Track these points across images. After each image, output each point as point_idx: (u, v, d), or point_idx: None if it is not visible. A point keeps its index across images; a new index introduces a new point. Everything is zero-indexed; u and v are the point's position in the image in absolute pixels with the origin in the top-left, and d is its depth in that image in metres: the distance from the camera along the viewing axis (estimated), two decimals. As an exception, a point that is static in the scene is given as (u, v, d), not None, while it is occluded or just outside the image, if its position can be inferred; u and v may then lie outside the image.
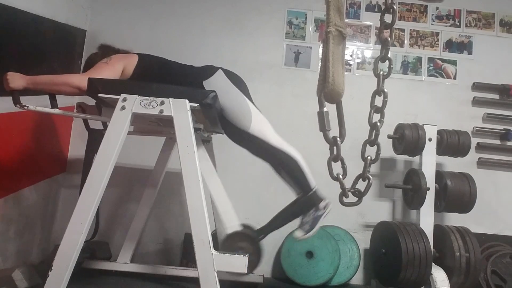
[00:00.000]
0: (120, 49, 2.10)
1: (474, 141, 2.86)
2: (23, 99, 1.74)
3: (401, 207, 2.92)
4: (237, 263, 1.59)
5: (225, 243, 1.82)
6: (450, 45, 3.07)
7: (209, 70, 1.92)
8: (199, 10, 3.02)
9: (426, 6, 3.08)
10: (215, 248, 1.61)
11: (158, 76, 1.89)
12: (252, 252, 1.77)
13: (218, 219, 2.31)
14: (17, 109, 1.72)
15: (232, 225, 1.92)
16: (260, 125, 1.87)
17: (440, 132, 2.68)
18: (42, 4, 2.28)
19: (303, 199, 1.84)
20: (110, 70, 1.84)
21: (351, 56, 3.04)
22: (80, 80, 1.74)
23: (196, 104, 1.68)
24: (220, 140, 2.27)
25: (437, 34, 3.07)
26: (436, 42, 3.06)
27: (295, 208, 1.86)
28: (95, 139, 2.13)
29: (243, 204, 2.84)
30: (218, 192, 2.03)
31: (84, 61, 2.69)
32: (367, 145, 1.35)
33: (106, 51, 2.05)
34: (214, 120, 1.87)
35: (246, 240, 1.81)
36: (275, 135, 1.89)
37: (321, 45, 1.33)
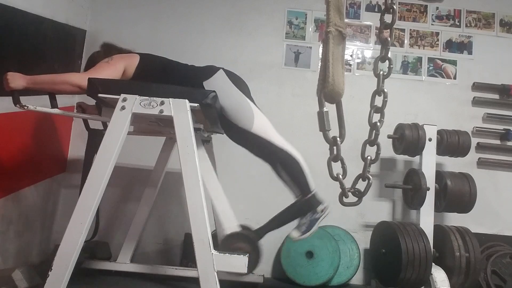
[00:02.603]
0: (122, 48, 2.10)
1: (474, 141, 2.86)
2: (23, 99, 1.74)
3: (401, 207, 2.92)
4: (237, 263, 1.59)
5: (224, 244, 1.82)
6: (450, 45, 3.07)
7: (210, 70, 1.92)
8: (199, 10, 3.02)
9: (426, 6, 3.08)
10: (215, 248, 1.61)
11: (159, 76, 1.89)
12: (250, 252, 1.77)
13: (216, 220, 2.31)
14: (17, 109, 1.72)
15: (230, 226, 1.92)
16: (262, 125, 1.87)
17: (440, 132, 2.68)
18: (42, 4, 2.28)
19: (301, 201, 1.83)
20: (111, 69, 1.84)
21: (351, 56, 3.04)
22: (81, 78, 1.74)
23: (196, 104, 1.67)
24: (220, 140, 2.27)
25: (437, 34, 3.07)
26: (436, 42, 3.07)
27: (294, 209, 1.86)
28: (95, 139, 2.13)
29: (243, 204, 2.84)
30: (217, 192, 2.03)
31: (84, 61, 2.70)
32: (367, 145, 1.34)
33: (108, 50, 2.05)
34: (214, 120, 1.87)
35: (244, 241, 1.81)
36: (277, 135, 1.89)
37: (321, 45, 1.33)
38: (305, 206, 1.83)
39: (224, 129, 1.95)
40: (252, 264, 1.77)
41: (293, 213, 1.86)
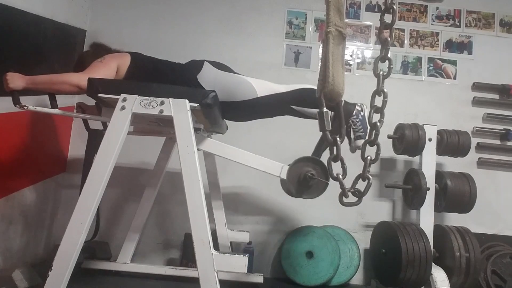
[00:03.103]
0: (111, 48, 2.11)
1: (474, 141, 2.86)
2: (23, 99, 1.74)
3: (401, 207, 2.92)
4: (237, 263, 1.59)
5: (291, 175, 1.87)
6: (450, 45, 3.07)
7: (198, 64, 1.95)
8: (199, 10, 3.02)
9: (426, 6, 3.08)
10: (215, 248, 1.61)
11: (153, 74, 1.90)
12: (320, 169, 1.87)
13: (223, 217, 2.31)
14: (17, 109, 1.72)
15: (281, 170, 1.94)
16: (264, 85, 1.92)
17: (440, 132, 2.68)
18: (42, 4, 2.28)
19: (338, 108, 1.86)
20: (106, 69, 1.85)
21: (351, 56, 3.04)
22: (79, 78, 1.74)
23: (196, 104, 1.67)
24: (220, 140, 2.27)
25: (437, 34, 3.07)
26: (436, 42, 3.06)
27: (335, 118, 1.89)
28: (95, 139, 2.13)
29: (243, 204, 2.85)
30: (247, 155, 2.01)
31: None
32: (367, 145, 1.34)
33: (98, 50, 2.06)
34: (214, 120, 1.87)
35: (309, 162, 1.89)
36: (280, 85, 1.96)
37: (321, 45, 1.33)
38: (343, 111, 1.85)
39: (236, 115, 2.00)
40: (325, 177, 1.86)
41: (339, 121, 1.89)
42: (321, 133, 1.75)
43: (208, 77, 1.88)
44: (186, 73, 1.92)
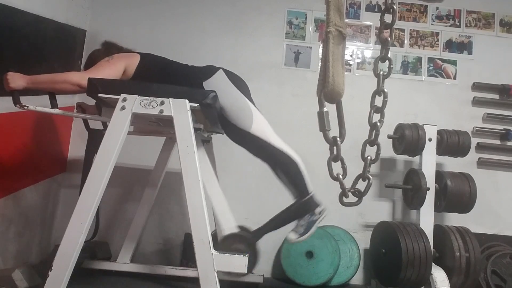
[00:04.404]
0: (123, 47, 2.10)
1: (474, 141, 2.86)
2: (23, 99, 1.74)
3: (401, 207, 2.92)
4: (237, 263, 1.60)
5: (222, 244, 1.82)
6: (450, 45, 3.07)
7: (210, 71, 1.92)
8: (199, 10, 3.02)
9: (426, 6, 3.08)
10: (215, 248, 1.61)
11: (159, 76, 1.88)
12: (248, 253, 1.76)
13: (216, 221, 2.31)
14: (17, 109, 1.72)
15: (229, 226, 1.92)
16: (262, 126, 1.87)
17: (440, 132, 2.68)
18: (42, 4, 2.28)
19: (299, 203, 1.83)
20: (111, 69, 1.84)
21: (351, 56, 3.04)
22: (80, 77, 1.74)
23: (196, 104, 1.68)
24: (220, 140, 2.27)
25: (437, 34, 3.07)
26: (436, 42, 3.07)
27: (292, 211, 1.86)
28: (95, 139, 2.13)
29: (243, 204, 2.85)
30: (216, 193, 2.03)
31: (84, 61, 2.70)
32: (367, 145, 1.35)
33: (109, 48, 2.05)
34: (214, 120, 1.87)
35: (242, 242, 1.81)
36: (276, 136, 1.89)
37: (321, 45, 1.33)
38: (303, 208, 1.83)
39: (224, 128, 1.95)
40: (250, 265, 1.78)
41: (291, 215, 1.86)
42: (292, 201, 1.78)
43: (215, 86, 1.83)
44: (193, 78, 1.90)
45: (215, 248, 1.61)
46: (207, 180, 2.01)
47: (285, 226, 1.89)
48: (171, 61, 2.00)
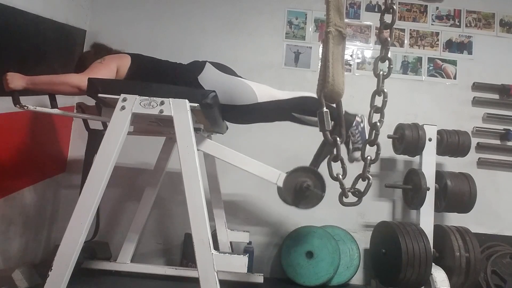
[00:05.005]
0: (112, 49, 2.11)
1: (474, 141, 2.86)
2: (23, 99, 1.74)
3: (401, 207, 2.92)
4: (237, 263, 1.59)
5: (287, 184, 1.86)
6: (450, 45, 3.07)
7: (199, 65, 1.94)
8: (199, 10, 3.02)
9: (426, 6, 3.08)
10: (215, 248, 1.61)
11: (153, 75, 1.89)
12: (316, 181, 1.85)
13: (223, 217, 2.30)
14: (17, 109, 1.72)
15: (278, 175, 1.93)
16: (264, 91, 1.91)
17: (440, 132, 2.68)
18: (42, 4, 2.28)
19: (338, 117, 1.85)
20: (106, 69, 1.85)
21: (351, 56, 3.04)
22: (80, 79, 1.74)
23: (196, 104, 1.68)
24: (220, 140, 2.27)
25: (437, 34, 3.07)
26: (436, 42, 3.06)
27: (336, 125, 1.88)
28: (95, 139, 2.13)
29: (243, 204, 2.85)
30: (244, 160, 1.99)
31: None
32: (367, 145, 1.35)
33: (99, 50, 2.06)
34: (214, 120, 1.87)
35: (306, 172, 1.87)
36: (281, 91, 1.94)
37: (321, 45, 1.33)
38: (344, 120, 1.84)
39: (235, 118, 1.99)
40: (322, 189, 1.85)
41: (340, 126, 1.88)
42: (322, 138, 1.77)
43: (209, 79, 1.87)
44: (187, 74, 1.91)
45: (217, 247, 1.60)
46: (233, 158, 1.97)
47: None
48: (161, 60, 2.02)
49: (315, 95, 1.81)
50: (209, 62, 1.96)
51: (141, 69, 1.94)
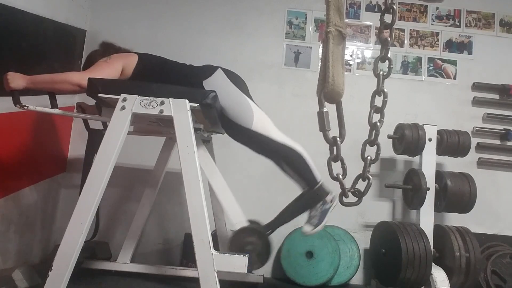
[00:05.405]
0: (121, 48, 2.10)
1: (474, 141, 2.86)
2: (23, 99, 1.74)
3: (401, 207, 2.92)
4: (237, 263, 1.59)
5: (234, 239, 1.81)
6: (450, 45, 3.07)
7: (209, 70, 1.92)
8: (199, 10, 3.02)
9: (426, 6, 3.08)
10: (215, 248, 1.61)
11: (158, 76, 1.88)
12: (261, 247, 1.77)
13: (223, 217, 2.32)
14: (17, 109, 1.72)
15: (239, 220, 1.91)
16: (262, 122, 1.86)
17: (440, 132, 2.68)
18: (42, 4, 2.28)
19: (309, 193, 1.82)
20: (110, 69, 1.84)
21: (351, 56, 3.04)
22: (81, 77, 1.74)
23: (196, 104, 1.68)
24: (220, 140, 2.27)
25: (437, 34, 3.07)
26: (436, 42, 3.07)
27: (302, 202, 1.84)
28: (95, 139, 2.13)
29: (243, 204, 2.84)
30: (222, 189, 2.02)
31: (84, 61, 2.70)
32: (367, 145, 1.35)
33: (107, 49, 2.05)
34: (214, 120, 1.87)
35: (254, 235, 1.80)
36: (277, 130, 1.88)
37: (321, 45, 1.33)
38: (313, 197, 1.82)
39: (225, 127, 1.94)
40: (263, 258, 1.78)
41: (302, 206, 1.85)
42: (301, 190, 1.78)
43: (215, 85, 1.82)
44: (193, 77, 1.89)
45: (217, 248, 1.60)
46: (212, 176, 2.00)
47: (296, 218, 1.87)
48: (169, 61, 2.00)
49: (304, 153, 1.83)
50: (222, 69, 1.93)
51: (147, 69, 1.93)
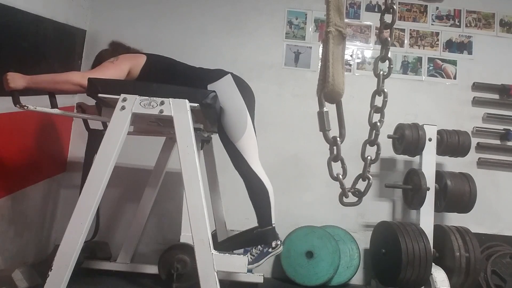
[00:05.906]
0: (130, 47, 2.09)
1: (474, 141, 2.86)
2: (23, 99, 1.73)
3: (401, 207, 2.92)
4: (237, 263, 1.60)
5: (166, 252, 1.85)
6: (450, 45, 3.07)
7: (217, 74, 1.91)
8: (199, 10, 3.02)
9: (426, 6, 3.08)
10: (214, 248, 1.60)
11: (164, 77, 1.87)
12: (189, 265, 1.81)
13: (223, 217, 2.29)
14: (17, 109, 1.72)
15: (187, 235, 1.90)
16: (248, 145, 1.85)
17: (440, 132, 2.68)
18: (42, 4, 2.28)
19: (258, 231, 1.85)
20: (115, 69, 1.83)
21: (351, 56, 3.04)
22: (82, 77, 1.73)
23: (196, 104, 1.68)
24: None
25: (437, 34, 3.07)
26: (436, 42, 3.06)
27: (250, 236, 1.87)
28: (95, 139, 2.13)
29: (243, 204, 2.84)
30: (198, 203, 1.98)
31: (84, 61, 2.71)
32: (367, 145, 1.34)
33: (116, 49, 2.04)
34: (214, 120, 1.87)
35: (187, 253, 1.83)
36: (258, 161, 1.88)
37: (321, 45, 1.33)
38: (260, 236, 1.84)
39: (218, 131, 1.94)
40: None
41: (248, 240, 1.89)
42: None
43: (220, 89, 1.81)
44: (198, 80, 1.89)
45: (217, 248, 1.60)
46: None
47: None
48: (177, 62, 1.99)
49: (271, 194, 1.84)
50: (233, 75, 1.92)
51: (152, 71, 1.92)
